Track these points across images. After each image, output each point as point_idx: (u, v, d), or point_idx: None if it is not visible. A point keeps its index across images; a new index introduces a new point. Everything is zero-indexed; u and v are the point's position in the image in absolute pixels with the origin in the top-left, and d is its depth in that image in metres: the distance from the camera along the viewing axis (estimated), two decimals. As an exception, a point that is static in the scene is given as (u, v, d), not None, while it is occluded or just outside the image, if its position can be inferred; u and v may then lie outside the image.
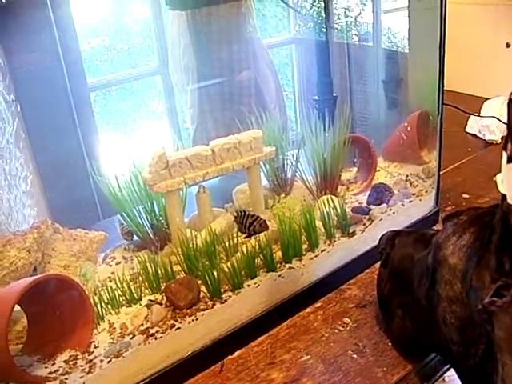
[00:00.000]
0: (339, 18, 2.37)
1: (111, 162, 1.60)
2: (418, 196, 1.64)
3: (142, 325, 1.23)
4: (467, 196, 1.84)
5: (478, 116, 2.29)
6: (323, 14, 2.17)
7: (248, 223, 1.34)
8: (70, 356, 1.17)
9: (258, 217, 1.36)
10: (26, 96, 1.61)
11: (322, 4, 2.16)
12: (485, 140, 2.23)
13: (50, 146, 1.74)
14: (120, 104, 2.81)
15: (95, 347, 1.19)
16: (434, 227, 1.65)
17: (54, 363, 1.16)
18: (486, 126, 2.24)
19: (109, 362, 1.13)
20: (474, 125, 2.31)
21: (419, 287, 1.13)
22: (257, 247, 1.33)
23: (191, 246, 1.31)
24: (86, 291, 1.22)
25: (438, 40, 1.52)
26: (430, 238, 1.15)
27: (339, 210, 1.47)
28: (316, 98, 2.02)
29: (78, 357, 1.16)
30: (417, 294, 1.14)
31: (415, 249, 1.20)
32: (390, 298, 1.25)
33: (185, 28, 1.95)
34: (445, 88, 1.58)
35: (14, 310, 1.11)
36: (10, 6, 1.31)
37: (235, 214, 1.37)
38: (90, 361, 1.15)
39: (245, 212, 1.36)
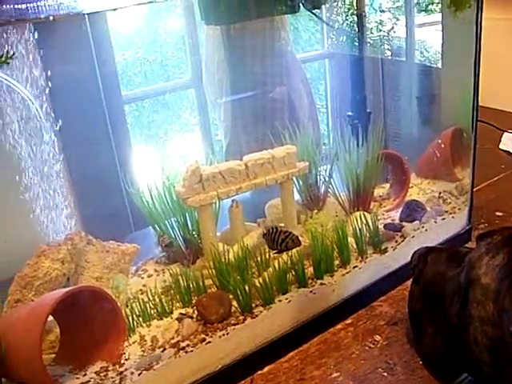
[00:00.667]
0: (372, 33, 2.37)
1: (144, 175, 1.61)
2: (450, 213, 1.63)
3: (173, 338, 1.23)
4: (500, 214, 1.82)
5: (513, 133, 2.27)
6: (356, 29, 2.16)
7: (280, 239, 1.34)
8: (101, 367, 1.18)
9: (290, 233, 1.35)
10: (61, 108, 1.63)
11: (355, 18, 2.16)
12: (519, 157, 2.21)
13: (85, 158, 1.75)
14: (152, 116, 2.83)
15: (126, 359, 1.20)
16: (467, 245, 1.63)
17: (85, 374, 1.17)
18: (521, 142, 2.22)
19: (139, 374, 1.14)
20: (508, 141, 2.29)
21: (451, 305, 1.12)
22: (289, 263, 1.33)
23: (223, 260, 1.32)
24: (118, 303, 1.23)
25: (472, 55, 1.51)
26: (464, 256, 1.14)
27: (371, 227, 1.46)
28: (350, 113, 2.02)
29: (109, 368, 1.18)
30: (448, 312, 1.13)
31: (448, 266, 1.18)
32: (422, 314, 1.24)
33: (219, 42, 1.96)
34: (479, 104, 1.57)
35: (48, 319, 1.13)
36: (48, 19, 1.33)
37: (265, 231, 1.36)
38: (121, 373, 1.15)
39: (277, 228, 1.35)
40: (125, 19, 2.45)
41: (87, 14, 1.66)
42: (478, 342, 1.03)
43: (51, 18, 1.22)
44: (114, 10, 1.38)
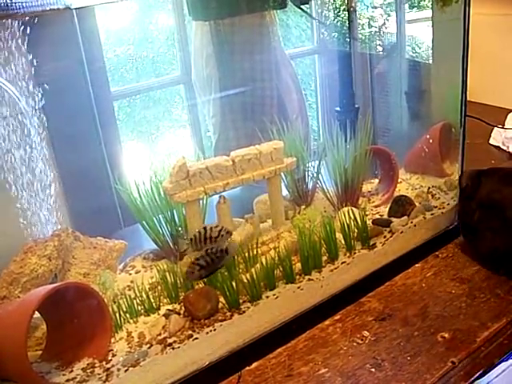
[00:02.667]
0: (363, 29, 2.36)
1: (133, 171, 1.61)
2: (439, 208, 1.63)
3: (160, 334, 1.23)
4: (490, 209, 1.82)
5: (502, 128, 2.27)
6: (347, 25, 2.16)
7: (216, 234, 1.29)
8: (88, 364, 1.18)
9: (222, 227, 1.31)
10: (49, 105, 1.62)
11: (346, 14, 2.16)
12: (509, 152, 2.21)
13: (73, 154, 1.75)
14: (144, 112, 2.82)
15: (113, 356, 1.19)
16: (456, 240, 1.63)
17: (71, 371, 1.16)
18: (511, 137, 2.21)
19: (126, 370, 1.14)
20: (497, 137, 2.29)
21: None
22: (276, 258, 1.32)
23: (211, 256, 1.31)
24: (105, 300, 1.23)
25: (460, 51, 1.51)
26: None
27: (360, 222, 1.46)
28: (338, 109, 2.01)
29: (96, 365, 1.17)
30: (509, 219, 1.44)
31: (502, 184, 1.48)
32: (478, 224, 1.51)
33: (208, 38, 1.96)
34: (468, 99, 1.57)
35: (35, 316, 1.13)
36: (36, 15, 1.32)
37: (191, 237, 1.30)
38: (108, 369, 1.15)
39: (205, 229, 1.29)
40: (115, 15, 2.44)
41: (75, 8, 1.66)
42: None
43: (38, 12, 1.22)
44: (102, 4, 1.37)
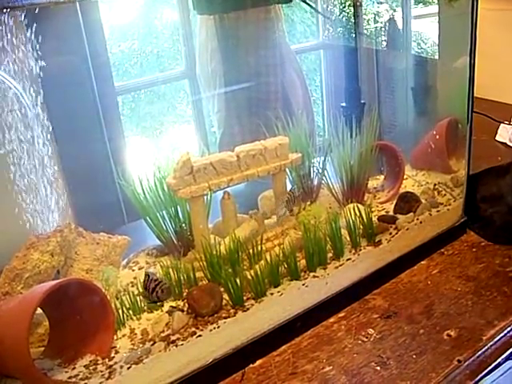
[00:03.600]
0: (369, 24, 2.35)
1: (137, 167, 1.60)
2: (445, 205, 1.61)
3: (163, 331, 1.22)
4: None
5: (509, 124, 2.25)
6: (352, 20, 2.15)
7: (151, 288, 1.30)
8: (91, 361, 1.17)
9: (161, 281, 1.31)
10: (52, 99, 1.61)
11: (352, 9, 2.14)
12: (515, 148, 2.19)
13: (76, 149, 1.74)
14: (148, 107, 2.81)
15: (116, 353, 1.18)
16: (462, 237, 1.62)
17: (74, 367, 1.15)
18: (517, 134, 2.20)
19: (129, 368, 1.13)
20: (504, 133, 2.27)
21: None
22: (281, 255, 1.31)
23: (214, 252, 1.30)
24: (108, 296, 1.22)
25: (468, 46, 1.49)
26: (508, 165, 1.64)
27: (365, 219, 1.45)
28: (343, 104, 2.00)
29: (99, 362, 1.16)
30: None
31: (498, 177, 1.63)
32: (484, 213, 1.64)
33: (212, 32, 1.94)
34: (475, 95, 1.55)
35: (37, 312, 1.12)
36: (40, 10, 1.31)
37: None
38: (110, 366, 1.14)
39: (149, 276, 1.31)
40: (120, 9, 2.43)
41: (79, 1, 1.65)
42: None
43: (41, 4, 1.21)
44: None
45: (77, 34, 1.74)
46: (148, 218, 1.43)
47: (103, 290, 1.21)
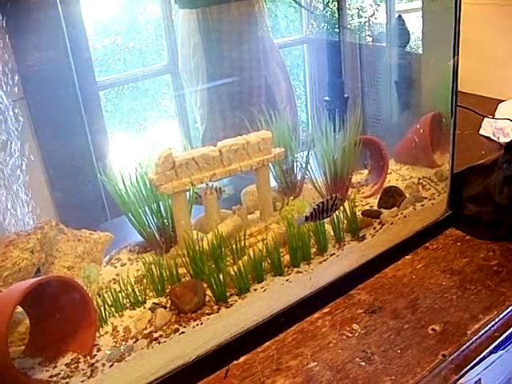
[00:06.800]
0: (352, 19, 2.34)
1: (119, 162, 1.58)
2: (430, 199, 1.61)
3: (146, 328, 1.21)
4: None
5: (493, 118, 2.25)
6: (336, 14, 2.14)
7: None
8: (72, 359, 1.15)
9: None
10: (34, 94, 1.59)
11: (336, 4, 2.14)
12: (499, 143, 2.19)
13: (58, 144, 1.72)
14: (132, 103, 2.80)
15: (98, 350, 1.17)
16: (447, 232, 1.62)
17: (55, 366, 1.14)
18: (501, 128, 2.20)
19: (111, 366, 1.12)
20: (488, 127, 2.28)
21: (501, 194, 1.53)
22: (264, 251, 1.30)
23: (197, 248, 1.29)
24: (90, 293, 1.20)
25: (452, 41, 1.49)
26: (493, 164, 1.59)
27: (349, 214, 1.44)
28: (327, 98, 1.99)
29: (80, 360, 1.15)
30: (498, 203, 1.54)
31: (482, 177, 1.61)
32: (473, 213, 1.62)
33: (195, 27, 1.93)
34: (459, 90, 1.55)
35: (17, 311, 1.10)
36: (19, 4, 1.30)
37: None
38: (92, 364, 1.13)
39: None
40: (102, 4, 2.41)
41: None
42: None
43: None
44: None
45: (57, 29, 1.72)
46: (130, 214, 1.42)
47: (85, 288, 1.19)
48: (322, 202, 1.33)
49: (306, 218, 1.33)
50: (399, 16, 2.07)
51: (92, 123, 1.86)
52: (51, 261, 1.33)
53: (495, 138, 2.22)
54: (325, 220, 1.38)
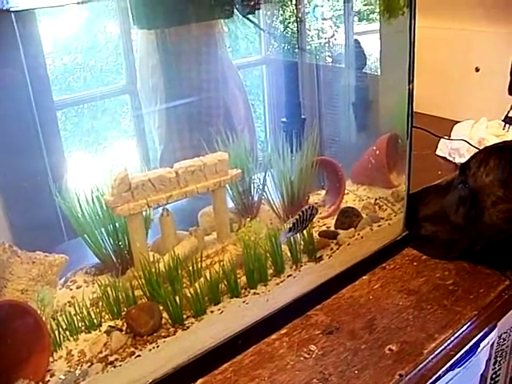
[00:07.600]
0: (312, 39, 2.36)
1: (76, 183, 1.57)
2: (386, 220, 1.62)
3: (101, 352, 1.19)
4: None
5: (448, 139, 2.29)
6: (295, 36, 2.16)
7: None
8: (24, 386, 1.13)
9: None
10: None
11: (294, 25, 2.15)
12: (455, 163, 2.23)
13: (13, 164, 1.69)
14: (91, 122, 2.77)
15: (51, 376, 1.14)
16: (404, 252, 1.64)
17: (6, 393, 1.11)
18: (456, 149, 2.24)
19: (64, 391, 1.09)
20: (444, 148, 2.31)
21: (456, 213, 1.54)
22: (221, 272, 1.30)
23: (153, 270, 1.28)
24: (43, 317, 1.18)
25: (407, 62, 1.51)
26: (448, 184, 1.60)
27: (306, 234, 1.44)
28: (284, 120, 2.00)
29: (33, 386, 1.12)
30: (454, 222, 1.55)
31: (438, 197, 1.62)
32: (429, 233, 1.63)
33: (153, 47, 1.92)
34: (416, 111, 1.58)
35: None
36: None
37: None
38: (45, 390, 1.10)
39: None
40: (62, 22, 2.39)
41: (14, 11, 1.61)
42: (494, 221, 1.45)
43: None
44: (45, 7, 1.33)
45: (12, 46, 1.69)
46: (86, 236, 1.40)
47: (38, 311, 1.17)
48: (303, 211, 1.35)
49: (290, 230, 1.35)
50: (355, 39, 2.09)
51: (49, 143, 1.84)
52: (4, 284, 1.30)
53: (451, 159, 2.26)
54: (281, 241, 1.38)
